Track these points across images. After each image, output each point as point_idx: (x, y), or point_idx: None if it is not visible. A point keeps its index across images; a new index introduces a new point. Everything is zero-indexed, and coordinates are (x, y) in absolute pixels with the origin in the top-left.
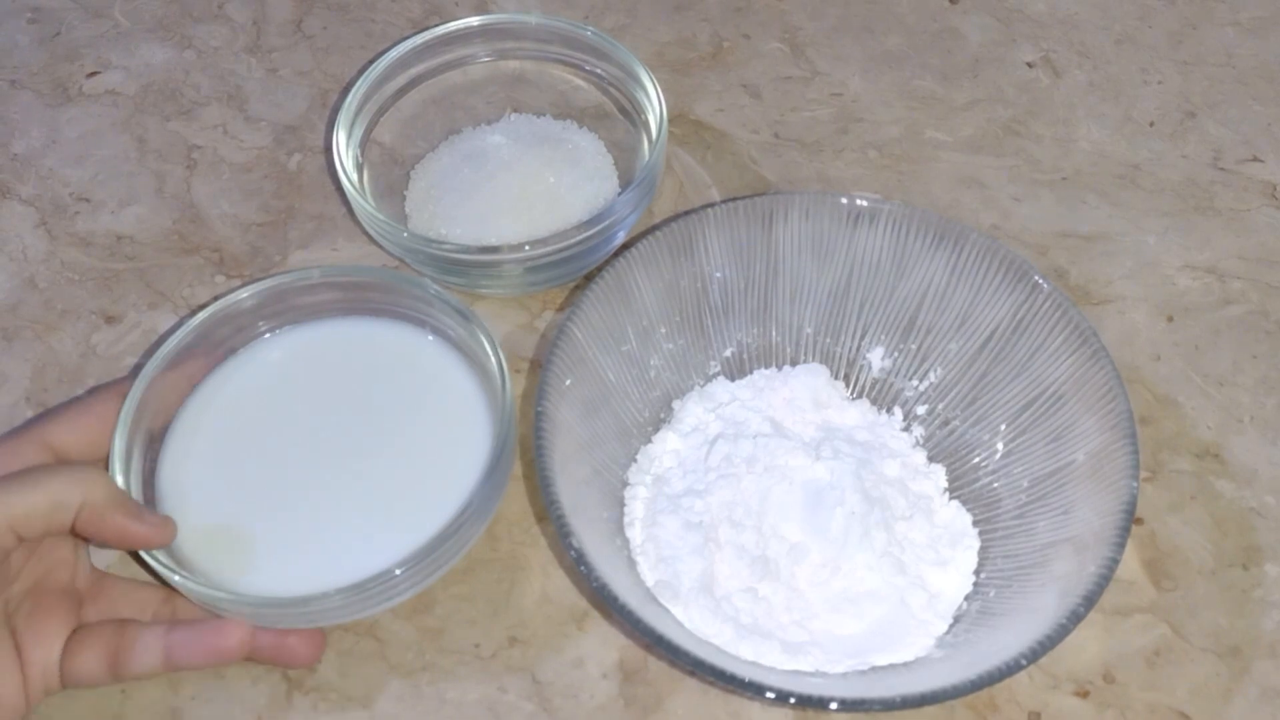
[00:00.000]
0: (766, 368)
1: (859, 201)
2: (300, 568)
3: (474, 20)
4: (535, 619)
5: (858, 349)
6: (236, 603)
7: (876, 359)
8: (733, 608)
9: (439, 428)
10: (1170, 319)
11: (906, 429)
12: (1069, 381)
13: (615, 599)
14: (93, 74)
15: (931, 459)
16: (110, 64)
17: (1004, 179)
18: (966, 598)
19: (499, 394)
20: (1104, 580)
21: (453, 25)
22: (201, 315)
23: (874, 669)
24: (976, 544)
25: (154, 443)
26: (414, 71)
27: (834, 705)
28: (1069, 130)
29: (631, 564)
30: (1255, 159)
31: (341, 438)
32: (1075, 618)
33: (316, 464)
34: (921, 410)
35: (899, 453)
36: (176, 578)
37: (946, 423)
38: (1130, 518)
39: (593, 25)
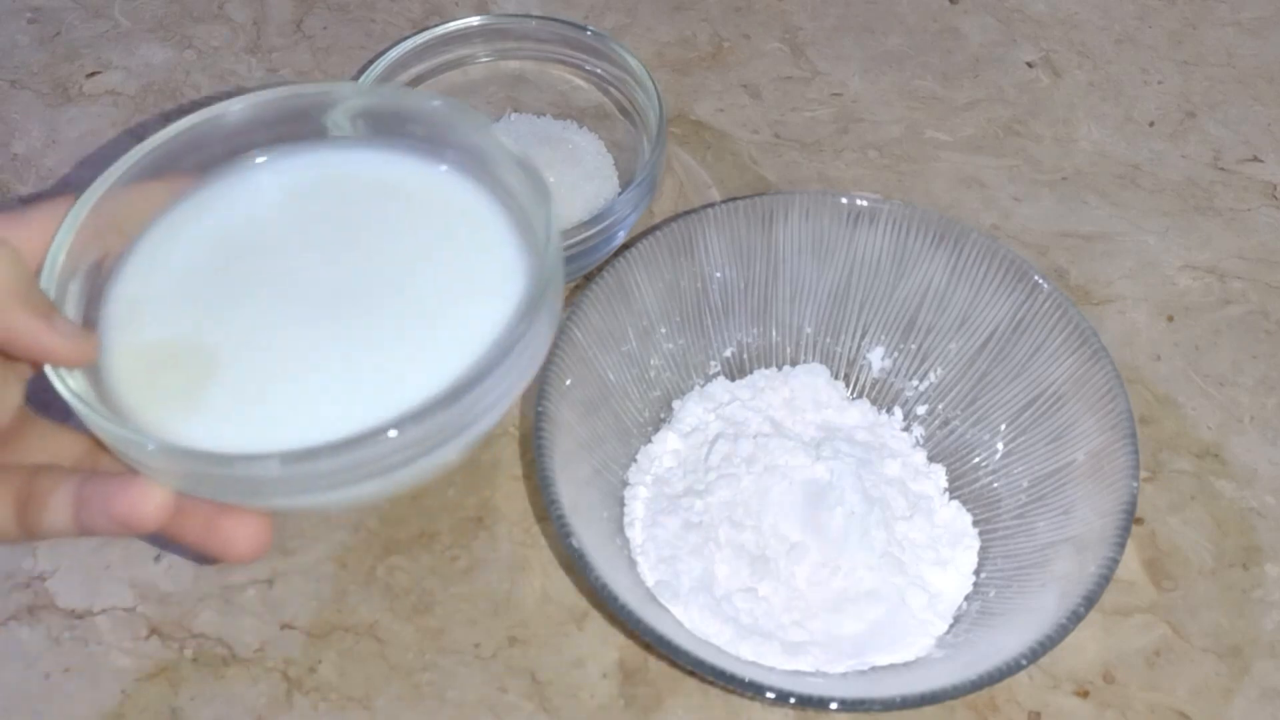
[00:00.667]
0: (766, 368)
1: (859, 201)
2: (260, 419)
3: (474, 20)
4: (535, 619)
5: (858, 349)
6: (154, 453)
7: (876, 359)
8: (733, 608)
9: (461, 279)
10: (1170, 319)
11: (906, 429)
12: (1069, 381)
13: (615, 599)
14: (93, 74)
15: (932, 459)
16: (110, 64)
17: (1004, 179)
18: (966, 598)
19: (542, 249)
20: (1104, 580)
21: (453, 25)
22: (183, 123)
23: (874, 669)
24: (976, 544)
25: (104, 264)
26: (414, 71)
27: (834, 705)
28: (1069, 130)
29: (631, 564)
30: (1255, 159)
31: (340, 279)
32: (1075, 618)
33: (304, 302)
34: (922, 410)
35: (899, 453)
36: (83, 408)
37: (947, 423)
38: (1130, 518)
39: (593, 25)
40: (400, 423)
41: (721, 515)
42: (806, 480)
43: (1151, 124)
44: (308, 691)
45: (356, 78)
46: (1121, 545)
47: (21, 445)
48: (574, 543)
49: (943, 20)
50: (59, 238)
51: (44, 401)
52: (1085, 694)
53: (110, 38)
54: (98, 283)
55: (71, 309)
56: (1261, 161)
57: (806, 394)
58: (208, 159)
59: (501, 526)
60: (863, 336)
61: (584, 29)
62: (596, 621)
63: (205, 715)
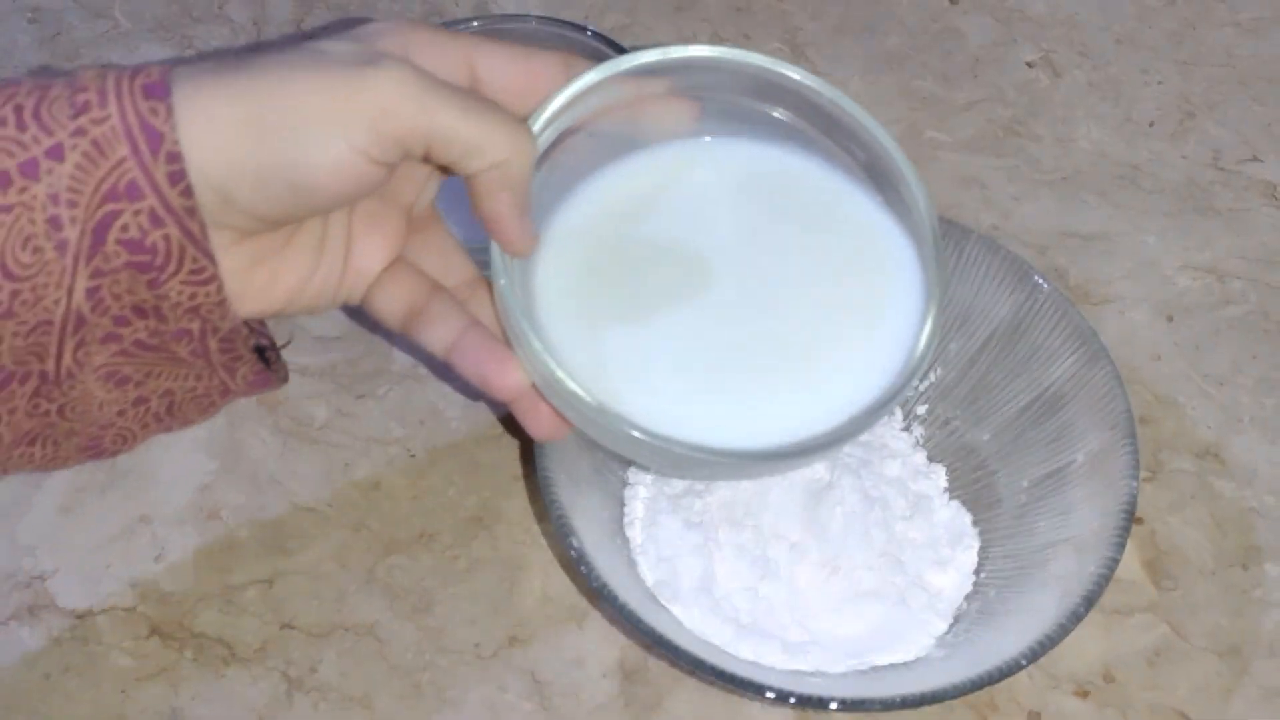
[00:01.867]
0: None
1: None
2: (648, 374)
3: (474, 21)
4: (535, 619)
5: None
6: (531, 350)
7: None
8: (732, 607)
9: (865, 315)
10: (1170, 319)
11: (906, 429)
12: (1069, 381)
13: (615, 599)
14: None
15: (932, 459)
16: (110, 64)
17: (1004, 179)
18: (966, 597)
19: (925, 324)
20: (1104, 580)
21: (452, 26)
22: (697, 50)
23: (874, 669)
24: (976, 544)
25: (561, 143)
26: None
27: (834, 705)
28: (1069, 130)
29: (631, 564)
30: (1255, 159)
31: (762, 274)
32: (1075, 618)
33: (729, 285)
34: (921, 410)
35: (899, 453)
36: (506, 290)
37: (947, 423)
38: (1130, 517)
39: (593, 25)
40: (747, 457)
41: (721, 515)
42: (806, 480)
43: (1151, 124)
44: (308, 691)
45: None
46: (1121, 545)
47: (425, 242)
48: (574, 543)
49: (942, 20)
50: (550, 107)
51: None
52: (1085, 694)
53: (110, 38)
54: (550, 155)
55: None
56: (1261, 161)
57: None
58: (689, 89)
59: (501, 526)
60: None
61: (584, 29)
62: (596, 621)
63: (205, 715)
